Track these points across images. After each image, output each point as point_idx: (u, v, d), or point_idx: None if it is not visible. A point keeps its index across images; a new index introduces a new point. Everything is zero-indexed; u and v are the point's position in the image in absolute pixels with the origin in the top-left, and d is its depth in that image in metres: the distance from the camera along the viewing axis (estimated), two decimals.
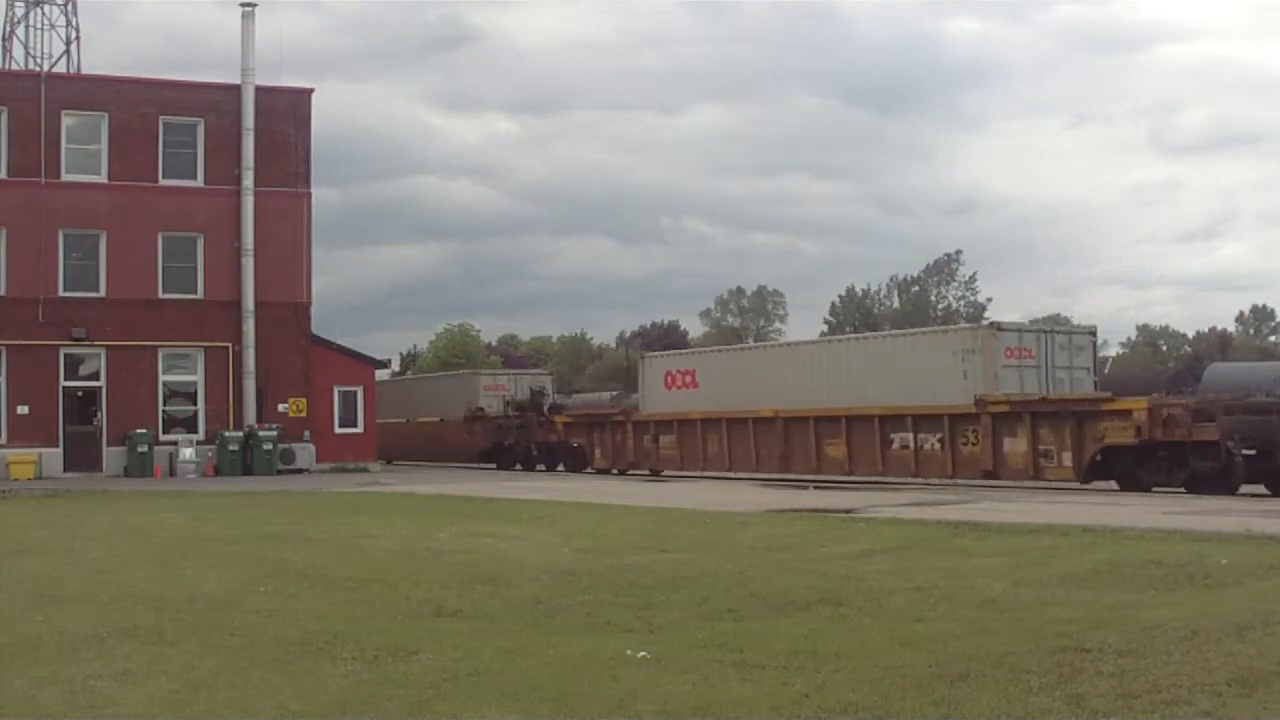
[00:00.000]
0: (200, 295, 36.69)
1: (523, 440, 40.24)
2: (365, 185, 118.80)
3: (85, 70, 44.76)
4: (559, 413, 39.60)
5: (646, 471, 34.90)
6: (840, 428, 28.72)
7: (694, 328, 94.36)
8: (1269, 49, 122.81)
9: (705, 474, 32.26)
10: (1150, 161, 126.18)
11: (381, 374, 47.36)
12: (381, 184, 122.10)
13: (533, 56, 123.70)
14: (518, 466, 40.72)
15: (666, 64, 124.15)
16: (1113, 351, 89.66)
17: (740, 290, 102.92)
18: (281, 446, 36.00)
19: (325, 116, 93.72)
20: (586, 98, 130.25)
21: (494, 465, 41.62)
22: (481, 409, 42.75)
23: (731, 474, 31.41)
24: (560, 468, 38.83)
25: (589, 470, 36.69)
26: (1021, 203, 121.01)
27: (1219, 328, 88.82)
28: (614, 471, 35.77)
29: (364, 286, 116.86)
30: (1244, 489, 22.00)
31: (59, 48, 47.39)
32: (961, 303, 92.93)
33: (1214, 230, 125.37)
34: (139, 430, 34.52)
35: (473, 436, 42.60)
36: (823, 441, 29.09)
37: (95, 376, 35.64)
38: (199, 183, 36.83)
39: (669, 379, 34.73)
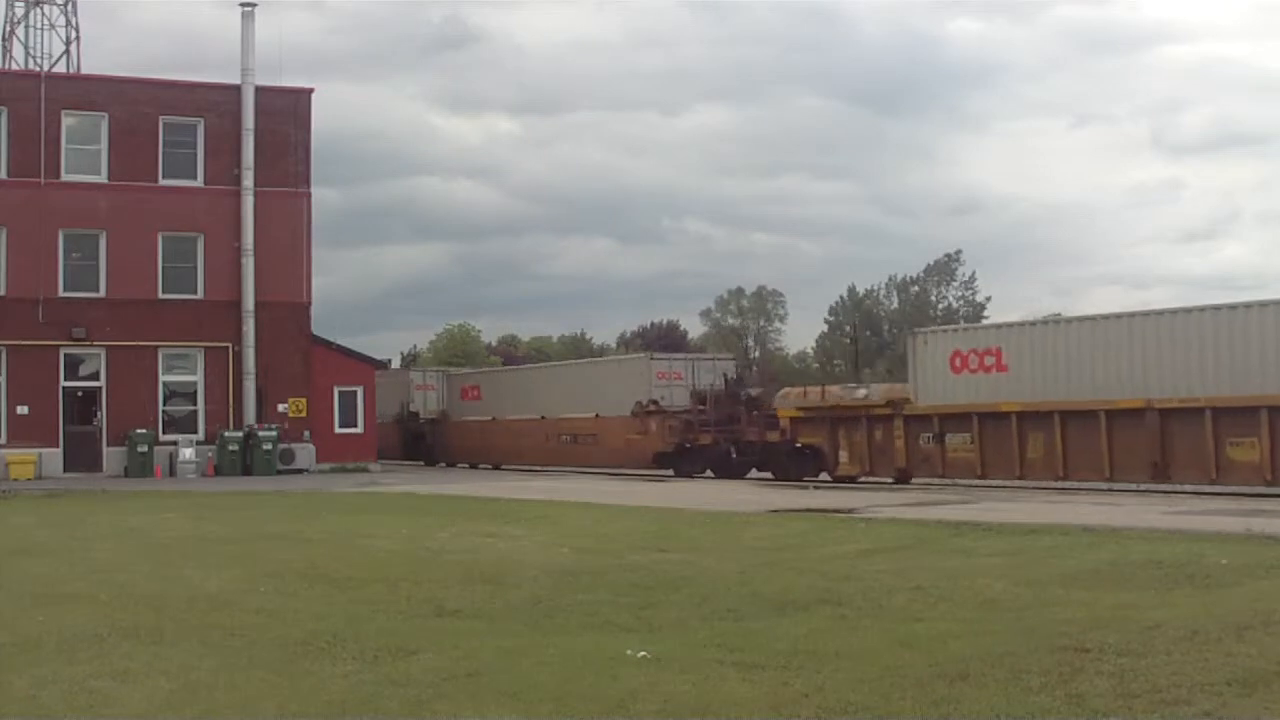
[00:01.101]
0: (200, 295, 36.66)
1: (723, 440, 32.38)
2: (367, 185, 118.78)
3: (85, 70, 44.74)
4: (766, 406, 31.70)
5: (931, 480, 26.80)
6: (1258, 421, 21.56)
7: (694, 328, 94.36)
8: (1271, 49, 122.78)
9: (1023, 483, 25.25)
10: (1152, 162, 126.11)
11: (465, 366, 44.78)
12: (383, 184, 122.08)
13: (535, 57, 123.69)
14: (708, 473, 32.98)
15: (668, 64, 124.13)
16: None
17: (740, 290, 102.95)
18: (281, 446, 35.98)
19: (327, 117, 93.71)
20: (588, 98, 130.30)
21: (670, 472, 33.42)
22: (656, 402, 33.82)
23: (1067, 483, 24.60)
24: (770, 475, 30.92)
25: (822, 478, 28.88)
26: (1023, 203, 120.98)
27: None
28: (861, 479, 27.91)
29: (365, 286, 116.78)
30: None
31: (59, 48, 47.34)
32: (961, 303, 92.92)
33: (1215, 230, 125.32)
34: (139, 430, 34.49)
35: (646, 437, 33.92)
36: (1224, 441, 22.12)
37: (95, 376, 35.62)
38: (199, 183, 36.80)
39: (956, 361, 26.99)
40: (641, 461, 34.22)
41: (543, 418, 38.46)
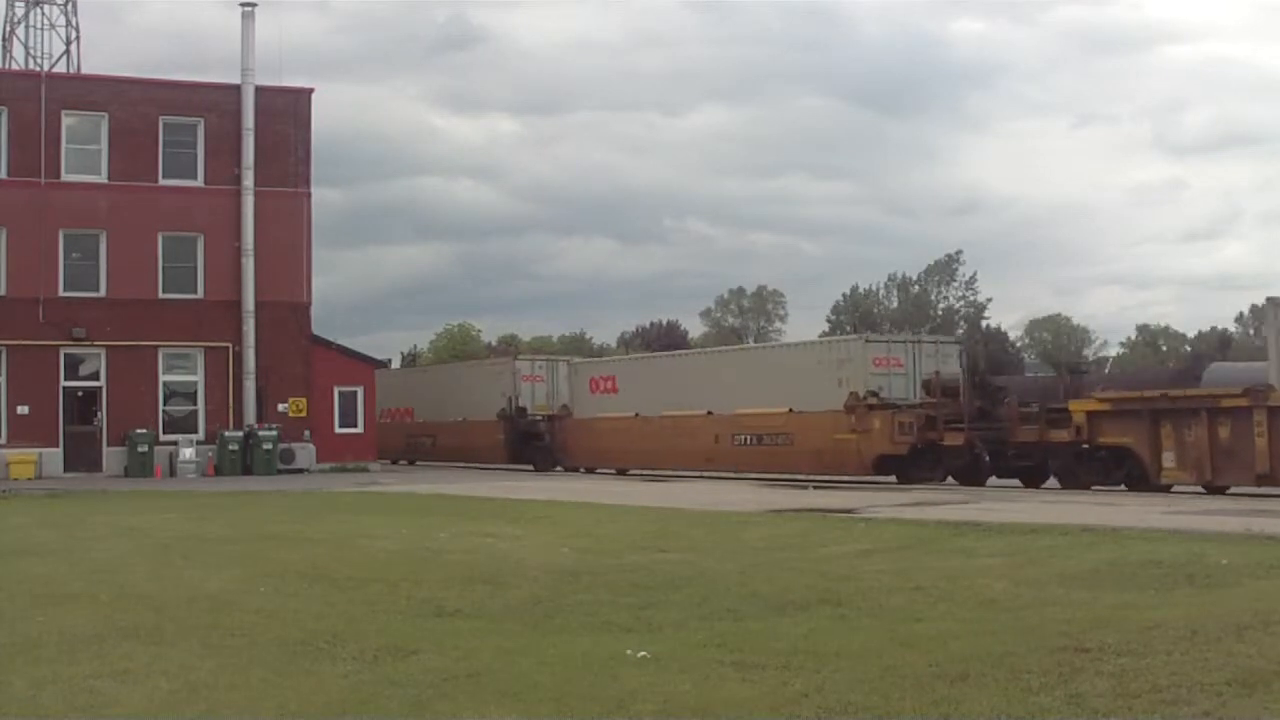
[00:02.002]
0: (200, 295, 36.66)
1: (978, 439, 26.41)
2: (368, 185, 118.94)
3: (85, 70, 44.75)
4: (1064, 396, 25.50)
5: None
6: None
7: (694, 328, 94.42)
8: (1272, 50, 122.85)
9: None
10: (1154, 162, 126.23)
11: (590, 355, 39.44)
12: (384, 184, 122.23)
13: (536, 57, 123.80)
14: (949, 480, 27.03)
15: (669, 64, 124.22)
16: (1113, 351, 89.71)
17: (741, 290, 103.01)
18: (281, 446, 35.98)
19: (329, 117, 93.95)
20: (589, 98, 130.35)
21: (891, 479, 28.00)
22: (875, 393, 28.27)
23: None
24: (1056, 484, 25.13)
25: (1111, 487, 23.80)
26: (1024, 203, 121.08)
27: (1219, 328, 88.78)
28: (1200, 490, 22.75)
29: (366, 286, 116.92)
30: None
31: (59, 48, 47.38)
32: (961, 303, 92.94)
33: (1216, 230, 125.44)
34: (139, 430, 34.50)
35: (864, 437, 27.89)
36: None
37: (95, 376, 35.62)
38: (199, 183, 36.80)
39: None
40: (854, 466, 28.18)
41: (710, 413, 32.04)
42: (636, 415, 34.48)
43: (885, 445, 27.53)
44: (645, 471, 34.03)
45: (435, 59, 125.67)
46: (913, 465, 27.40)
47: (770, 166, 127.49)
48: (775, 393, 30.29)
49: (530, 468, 38.47)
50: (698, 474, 31.88)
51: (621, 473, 35.44)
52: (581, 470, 36.62)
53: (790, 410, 29.77)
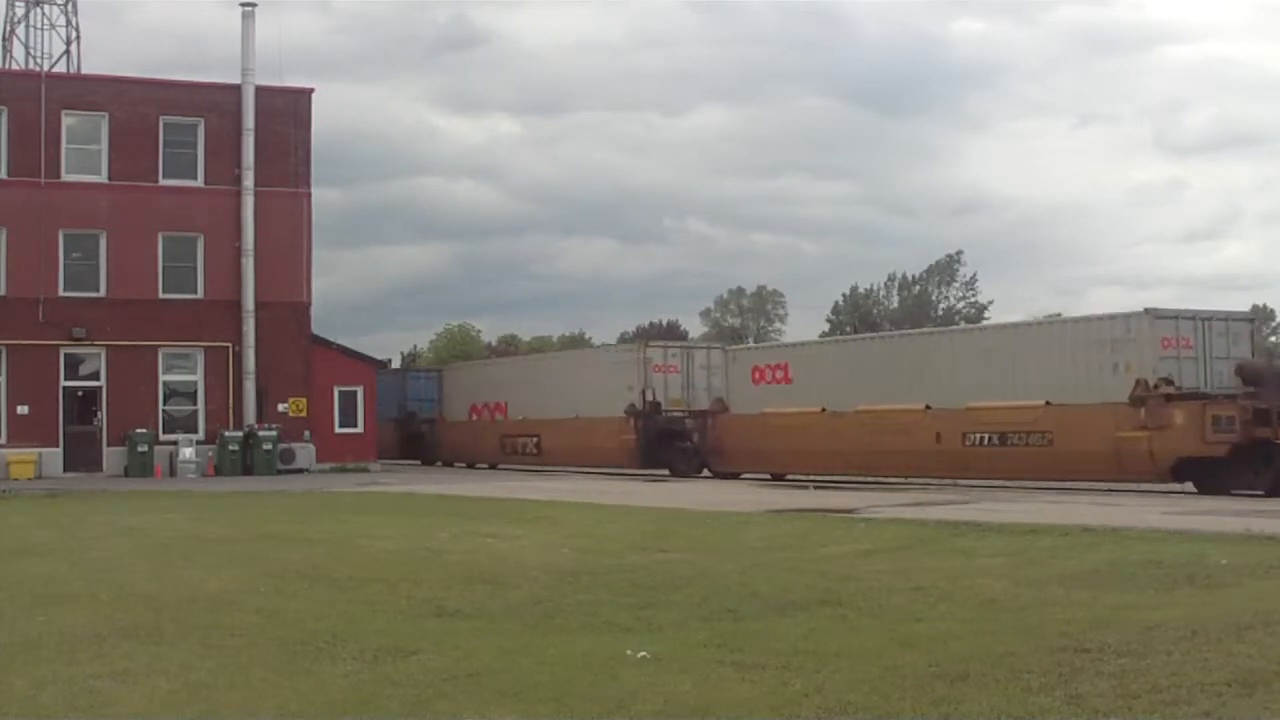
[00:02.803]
0: (200, 295, 36.67)
1: None
2: (369, 185, 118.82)
3: (85, 70, 44.75)
4: None
5: None
6: None
7: (694, 328, 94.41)
8: (1273, 50, 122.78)
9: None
10: (1155, 162, 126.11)
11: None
12: (385, 184, 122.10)
13: (537, 57, 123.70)
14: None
15: (670, 64, 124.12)
16: None
17: (740, 290, 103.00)
18: (281, 446, 35.98)
19: (330, 117, 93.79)
20: (590, 98, 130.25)
21: (1189, 487, 23.21)
22: (1170, 380, 23.24)
23: None
24: None
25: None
26: (1025, 203, 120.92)
27: None
28: None
29: (367, 286, 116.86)
30: None
31: (59, 48, 47.38)
32: (962, 303, 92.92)
33: (1217, 230, 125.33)
34: (139, 430, 34.50)
35: (1162, 435, 22.85)
36: None
37: (95, 376, 35.63)
38: (199, 183, 36.81)
39: None
40: (1144, 471, 23.32)
41: (928, 407, 26.87)
42: (824, 410, 28.89)
43: (1192, 445, 22.57)
44: (829, 479, 27.95)
45: (436, 59, 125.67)
46: (1229, 469, 22.43)
47: (770, 167, 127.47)
48: (1021, 381, 25.28)
49: (665, 473, 33.27)
50: (904, 481, 27.64)
51: (777, 478, 30.55)
52: (740, 476, 31.25)
53: (1047, 403, 24.63)
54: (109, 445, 35.02)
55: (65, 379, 35.19)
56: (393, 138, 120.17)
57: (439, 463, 43.22)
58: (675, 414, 33.84)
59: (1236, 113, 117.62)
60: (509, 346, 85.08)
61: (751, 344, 41.75)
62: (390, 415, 44.07)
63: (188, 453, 34.84)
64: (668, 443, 33.67)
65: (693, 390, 34.21)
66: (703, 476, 32.37)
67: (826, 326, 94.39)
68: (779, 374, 31.11)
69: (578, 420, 36.09)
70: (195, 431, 36.07)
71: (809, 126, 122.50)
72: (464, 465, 42.32)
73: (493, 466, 40.97)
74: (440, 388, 45.55)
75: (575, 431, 36.15)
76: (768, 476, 30.91)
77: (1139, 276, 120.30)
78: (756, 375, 31.58)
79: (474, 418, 41.96)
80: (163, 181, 36.31)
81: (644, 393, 33.88)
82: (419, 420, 45.00)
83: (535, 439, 38.42)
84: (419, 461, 44.37)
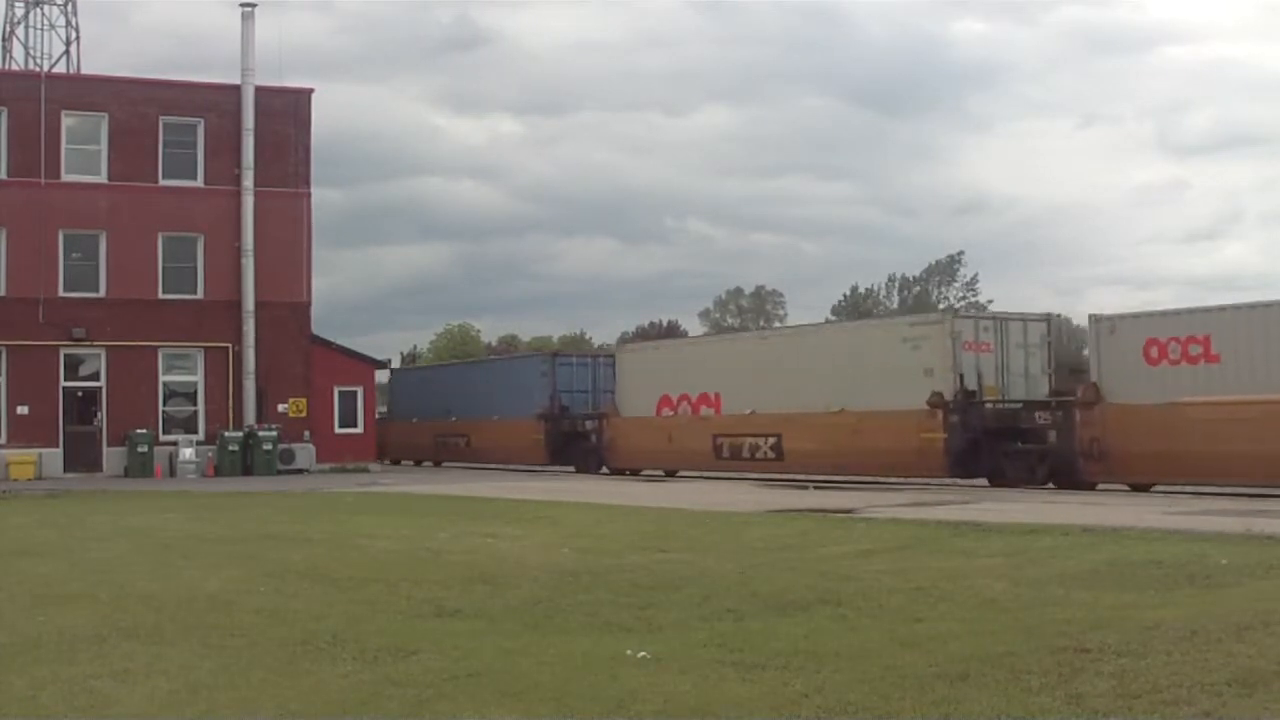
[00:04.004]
0: (200, 295, 36.70)
1: None
2: (370, 185, 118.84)
3: (85, 70, 44.76)
4: None
5: None
6: None
7: (693, 328, 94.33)
8: (1275, 50, 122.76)
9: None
10: (1156, 162, 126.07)
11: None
12: (386, 184, 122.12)
13: (539, 57, 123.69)
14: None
15: (672, 65, 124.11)
16: None
17: (739, 290, 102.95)
18: (281, 447, 36.00)
19: (332, 118, 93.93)
20: (592, 98, 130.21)
21: None
22: None
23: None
24: None
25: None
26: (1026, 204, 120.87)
27: None
28: None
29: (368, 286, 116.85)
30: None
31: (59, 48, 47.44)
32: (962, 304, 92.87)
33: (1218, 231, 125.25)
34: (139, 430, 34.53)
35: None
36: None
37: (95, 376, 35.65)
38: (199, 183, 36.84)
39: None
40: None
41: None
42: None
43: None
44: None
45: (438, 59, 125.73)
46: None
47: (771, 167, 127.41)
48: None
49: (984, 482, 25.69)
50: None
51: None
52: (1150, 488, 23.37)
53: None
54: (109, 445, 35.05)
55: (65, 379, 35.22)
56: (394, 137, 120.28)
57: (605, 469, 34.96)
58: (1008, 406, 25.80)
59: (1238, 113, 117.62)
60: (509, 347, 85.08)
61: (1143, 310, 27.66)
62: (532, 411, 37.28)
63: (188, 453, 34.86)
64: (999, 441, 25.61)
65: (1007, 374, 26.51)
66: (1060, 488, 24.12)
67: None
68: (1193, 349, 23.18)
69: (847, 416, 27.34)
70: (195, 432, 36.11)
71: (810, 127, 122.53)
72: (654, 472, 33.62)
73: (670, 474, 33.31)
74: (607, 376, 36.74)
75: (845, 430, 27.38)
76: (1183, 487, 23.02)
77: (1140, 277, 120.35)
78: (1154, 352, 23.48)
79: (666, 413, 32.84)
80: (163, 181, 36.34)
81: (958, 377, 25.82)
82: (575, 417, 36.66)
83: (772, 439, 29.49)
84: (574, 468, 36.06)
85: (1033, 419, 25.32)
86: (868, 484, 27.05)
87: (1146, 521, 14.87)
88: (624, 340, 75.65)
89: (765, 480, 28.28)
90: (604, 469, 34.87)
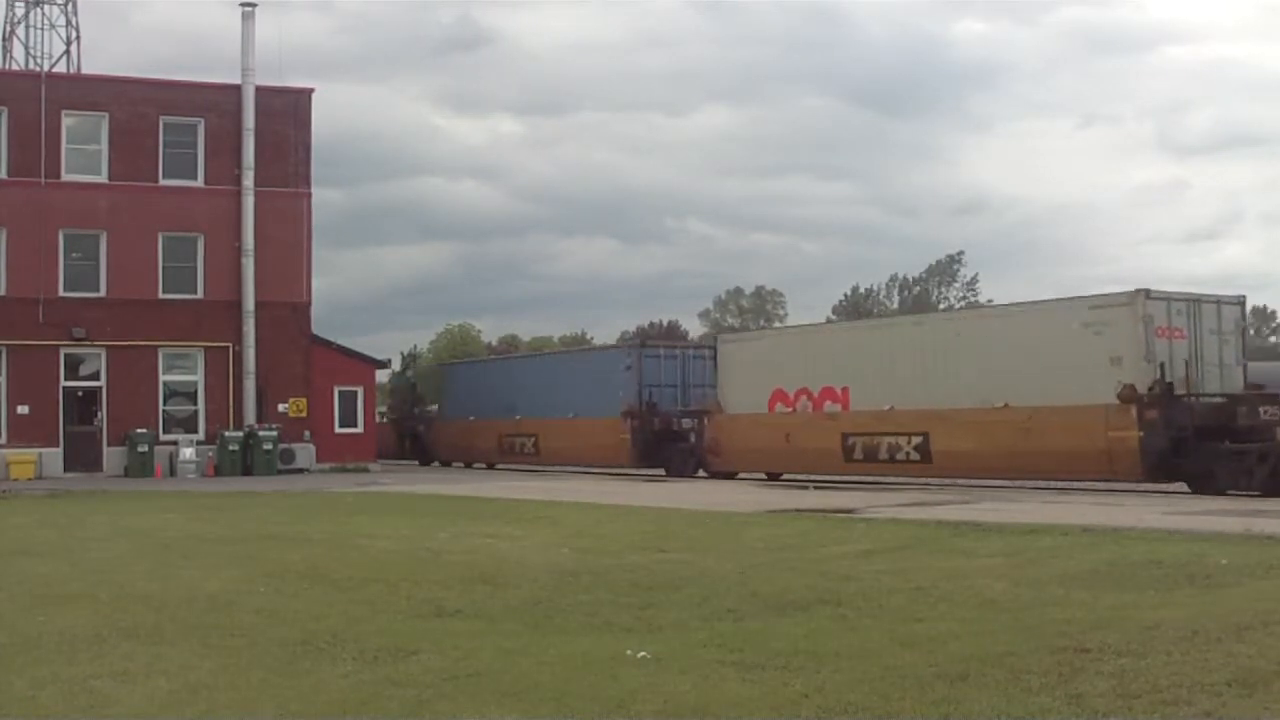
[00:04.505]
0: (200, 295, 36.71)
1: None
2: (371, 186, 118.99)
3: (87, 70, 44.77)
4: None
5: None
6: None
7: (694, 328, 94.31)
8: (1275, 50, 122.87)
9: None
10: (1156, 162, 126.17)
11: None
12: (387, 184, 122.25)
13: (540, 58, 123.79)
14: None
15: (673, 65, 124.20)
16: None
17: (739, 290, 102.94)
18: (281, 446, 36.01)
19: (333, 118, 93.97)
20: (592, 99, 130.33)
21: None
22: None
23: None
24: None
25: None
26: (1027, 204, 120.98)
27: None
28: None
29: (369, 286, 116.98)
30: None
31: (59, 48, 47.45)
32: (962, 304, 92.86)
33: (1218, 231, 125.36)
34: (139, 430, 34.54)
35: None
36: None
37: (95, 376, 35.66)
38: (199, 183, 36.85)
39: None
40: None
41: None
42: None
43: None
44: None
45: (439, 59, 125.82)
46: None
47: (772, 167, 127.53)
48: None
49: (1183, 487, 22.64)
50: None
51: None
52: None
53: None
54: (109, 445, 35.06)
55: (65, 379, 35.23)
56: (394, 138, 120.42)
57: (702, 472, 32.15)
58: (1220, 400, 22.82)
59: (1238, 113, 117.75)
60: (509, 347, 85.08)
61: None
62: (616, 408, 33.93)
63: (188, 453, 34.87)
64: (1204, 445, 22.22)
65: (1204, 365, 23.35)
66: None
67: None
68: None
69: (1013, 412, 24.09)
70: (195, 431, 36.12)
71: (810, 127, 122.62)
72: (759, 475, 30.86)
73: (813, 485, 27.01)
74: (697, 370, 34.14)
75: (1012, 429, 24.15)
76: None
77: (1140, 277, 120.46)
78: None
79: (781, 409, 29.53)
80: (163, 181, 36.35)
81: (1160, 366, 22.47)
82: (669, 415, 33.56)
83: (916, 439, 26.40)
84: (664, 472, 33.22)
85: (1256, 415, 22.00)
86: (867, 484, 26.98)
87: (1146, 522, 14.87)
88: (623, 339, 74.95)
89: (910, 485, 26.00)
90: (701, 472, 32.02)
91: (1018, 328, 25.21)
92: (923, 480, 26.39)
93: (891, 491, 24.38)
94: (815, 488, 25.55)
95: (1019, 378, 24.25)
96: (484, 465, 41.53)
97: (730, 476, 30.71)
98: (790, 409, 29.21)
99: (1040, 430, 23.56)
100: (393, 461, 44.18)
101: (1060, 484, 24.06)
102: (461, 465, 42.56)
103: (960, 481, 25.20)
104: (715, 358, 32.28)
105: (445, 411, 45.13)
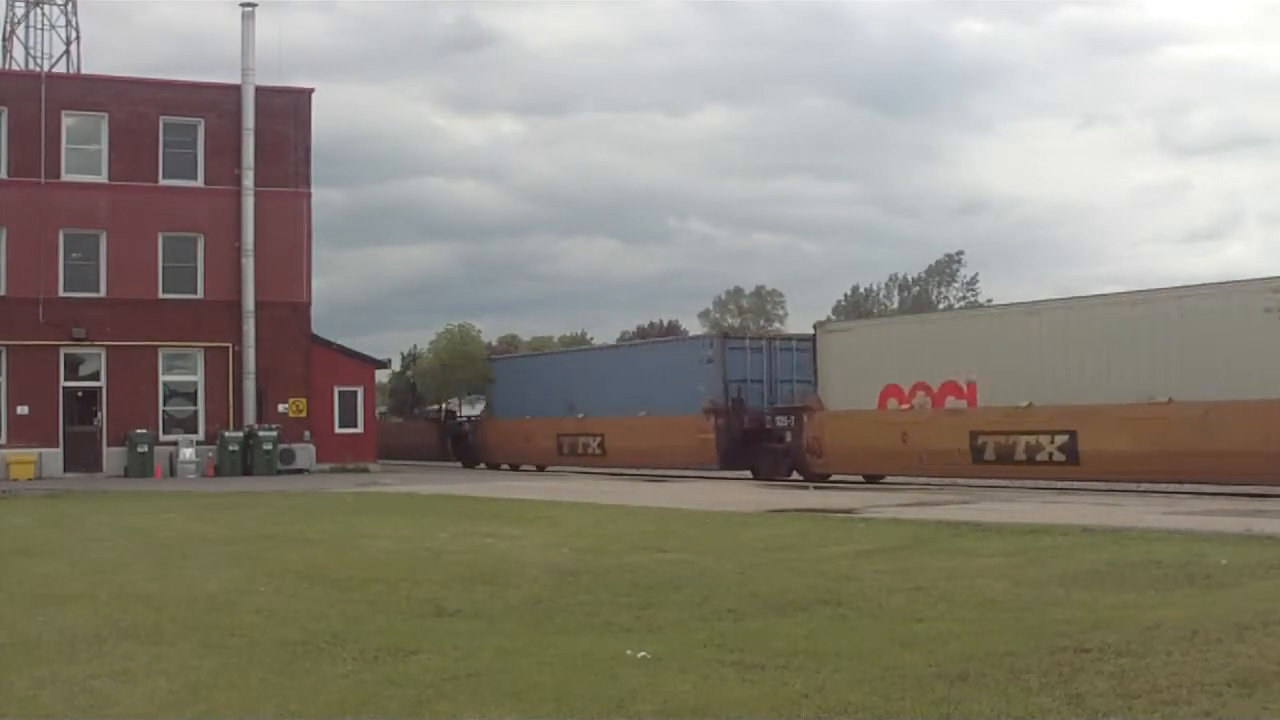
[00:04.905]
0: (200, 295, 36.71)
1: None
2: (372, 186, 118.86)
3: (88, 70, 44.76)
4: None
5: None
6: None
7: (694, 327, 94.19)
8: (1276, 50, 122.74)
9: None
10: (1158, 162, 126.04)
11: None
12: (388, 185, 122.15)
13: (541, 58, 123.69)
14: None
15: (674, 65, 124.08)
16: None
17: (739, 290, 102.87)
18: (281, 447, 36.01)
19: (334, 118, 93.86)
20: (593, 99, 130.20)
21: None
22: None
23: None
24: None
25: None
26: (1027, 204, 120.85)
27: None
28: None
29: (370, 286, 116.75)
30: None
31: (59, 48, 47.44)
32: (961, 304, 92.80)
33: (1219, 231, 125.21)
34: (139, 430, 34.54)
35: None
36: None
37: (95, 376, 35.65)
38: (199, 183, 36.85)
39: None
40: None
41: None
42: None
43: None
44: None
45: (440, 60, 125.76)
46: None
47: (773, 167, 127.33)
48: None
49: None
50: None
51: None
52: None
53: None
54: (109, 445, 35.05)
55: (65, 379, 35.22)
56: (395, 138, 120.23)
57: (797, 474, 29.35)
58: None
59: (1239, 113, 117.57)
60: (509, 347, 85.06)
61: None
62: (696, 405, 31.22)
63: (188, 453, 34.86)
64: None
65: None
66: None
67: None
68: None
69: (1181, 408, 21.72)
70: (195, 432, 36.12)
71: (811, 127, 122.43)
72: (848, 478, 28.13)
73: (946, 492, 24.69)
74: (784, 363, 31.65)
75: (1181, 426, 21.73)
76: None
77: (1141, 277, 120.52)
78: None
79: (894, 405, 27.15)
80: (163, 181, 36.35)
81: None
82: (753, 411, 30.97)
83: (1061, 438, 23.85)
84: (750, 474, 30.67)
85: None
86: (867, 484, 26.97)
87: (1146, 522, 14.87)
88: (623, 339, 74.32)
89: (1056, 488, 24.17)
90: (794, 474, 29.44)
91: (1178, 314, 22.44)
92: (1068, 483, 24.17)
93: (891, 491, 24.37)
94: (815, 487, 25.47)
95: (1183, 370, 21.85)
96: (534, 467, 38.95)
97: (824, 479, 28.08)
98: (906, 405, 26.71)
99: (1219, 429, 21.00)
100: (433, 463, 42.79)
101: (1238, 487, 21.63)
102: (509, 468, 39.71)
103: (1115, 485, 23.26)
104: (814, 349, 29.20)
105: (494, 409, 41.75)
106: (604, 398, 34.98)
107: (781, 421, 29.58)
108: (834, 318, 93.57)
